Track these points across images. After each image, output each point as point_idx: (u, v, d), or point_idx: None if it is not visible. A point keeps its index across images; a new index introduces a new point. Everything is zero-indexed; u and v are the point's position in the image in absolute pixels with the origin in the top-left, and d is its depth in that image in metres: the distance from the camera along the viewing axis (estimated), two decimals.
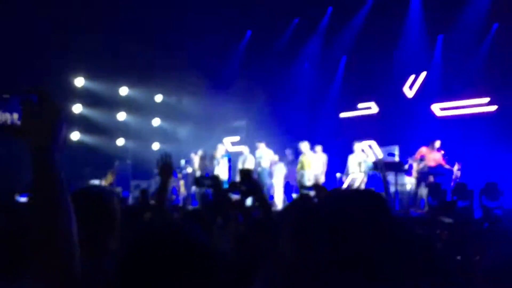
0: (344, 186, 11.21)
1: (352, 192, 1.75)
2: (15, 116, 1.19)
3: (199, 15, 13.83)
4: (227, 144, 15.22)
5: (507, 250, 1.64)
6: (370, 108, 14.35)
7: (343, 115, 14.87)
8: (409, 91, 13.91)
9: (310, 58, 16.08)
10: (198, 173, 12.89)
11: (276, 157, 12.48)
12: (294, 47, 15.85)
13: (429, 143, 10.79)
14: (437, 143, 10.61)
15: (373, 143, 12.98)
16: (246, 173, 2.81)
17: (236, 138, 15.77)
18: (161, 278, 1.13)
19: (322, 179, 11.45)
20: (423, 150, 10.71)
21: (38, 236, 1.12)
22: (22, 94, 1.20)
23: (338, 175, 11.84)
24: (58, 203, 1.14)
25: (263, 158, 12.35)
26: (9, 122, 1.20)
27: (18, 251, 1.69)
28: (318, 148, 11.88)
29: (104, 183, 12.15)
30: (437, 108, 13.07)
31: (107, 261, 1.68)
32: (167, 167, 3.22)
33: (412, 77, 13.91)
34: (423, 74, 13.73)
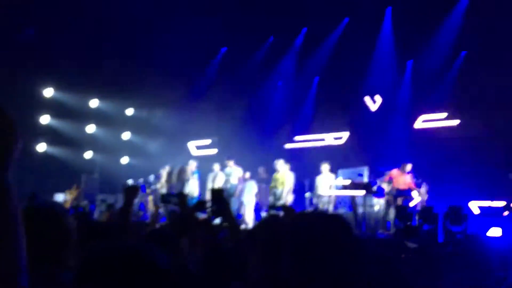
0: (314, 206, 11.26)
1: (318, 215, 1.79)
2: None
3: (174, 29, 13.80)
4: (193, 148, 15.13)
5: (468, 275, 1.65)
6: (341, 138, 14.28)
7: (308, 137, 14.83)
8: (372, 104, 14.12)
9: (284, 77, 16.22)
10: (164, 190, 12.72)
11: (247, 174, 12.43)
12: (268, 65, 15.98)
13: (400, 165, 10.95)
14: (408, 167, 10.78)
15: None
16: (217, 193, 2.79)
17: (205, 142, 15.70)
18: None
19: (290, 198, 11.44)
20: (394, 172, 10.85)
21: None
22: None
23: (307, 194, 11.88)
24: (8, 231, 1.07)
25: (232, 175, 12.30)
26: None
27: None
28: (287, 166, 11.88)
29: (68, 197, 11.86)
30: (419, 121, 13.25)
31: (64, 276, 1.69)
32: (133, 188, 3.19)
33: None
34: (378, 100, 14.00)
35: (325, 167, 11.44)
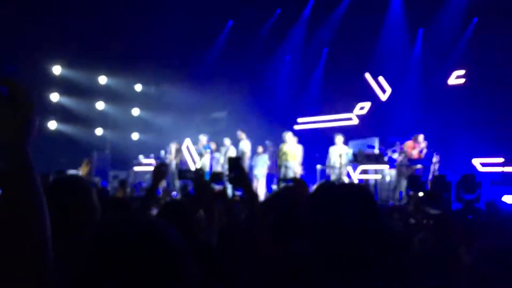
0: (326, 178, 11.27)
1: (342, 186, 1.70)
2: None
3: (180, 4, 13.65)
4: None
5: (494, 242, 1.64)
6: (351, 119, 13.73)
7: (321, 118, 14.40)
8: (382, 94, 13.89)
9: (292, 50, 16.05)
10: (173, 164, 12.78)
11: (260, 149, 12.40)
12: (276, 38, 15.80)
13: (411, 136, 10.90)
14: (420, 137, 10.73)
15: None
16: (235, 161, 2.77)
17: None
18: (124, 274, 1.12)
19: (300, 170, 11.45)
20: (407, 143, 10.82)
21: (8, 238, 1.05)
22: None
23: (318, 167, 11.88)
24: (31, 204, 1.08)
25: (245, 149, 12.30)
26: None
27: None
28: (295, 139, 11.86)
29: (80, 173, 11.94)
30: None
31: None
32: (162, 172, 3.20)
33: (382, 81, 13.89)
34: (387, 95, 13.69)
35: (339, 138, 11.40)
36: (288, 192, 2.83)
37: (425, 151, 10.70)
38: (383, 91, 13.78)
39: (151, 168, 12.50)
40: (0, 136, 1.09)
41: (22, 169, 1.09)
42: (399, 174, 10.69)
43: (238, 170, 2.47)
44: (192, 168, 12.48)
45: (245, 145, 12.19)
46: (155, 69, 15.40)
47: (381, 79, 13.77)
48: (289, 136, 11.45)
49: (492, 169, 10.44)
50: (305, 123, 14.35)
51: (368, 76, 13.94)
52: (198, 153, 12.67)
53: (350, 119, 13.52)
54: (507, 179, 9.96)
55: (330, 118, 13.85)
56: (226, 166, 11.75)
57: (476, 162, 10.78)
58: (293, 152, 11.31)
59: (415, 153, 10.63)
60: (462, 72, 12.51)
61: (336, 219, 1.51)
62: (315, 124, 14.17)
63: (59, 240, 1.29)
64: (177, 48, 14.68)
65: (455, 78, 12.67)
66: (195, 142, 13.36)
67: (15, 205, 1.07)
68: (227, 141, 12.68)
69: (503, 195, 8.41)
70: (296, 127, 13.91)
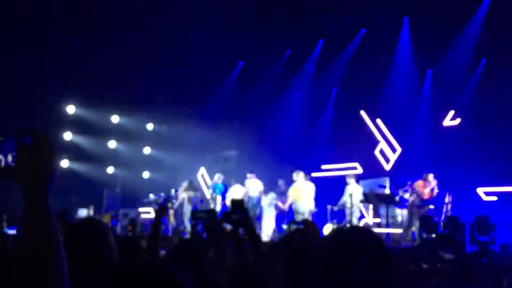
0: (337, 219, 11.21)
1: (352, 231, 1.75)
2: (9, 158, 1.16)
3: (191, 45, 13.96)
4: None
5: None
6: (355, 168, 13.54)
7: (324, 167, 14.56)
8: (386, 164, 13.78)
9: (301, 89, 16.22)
10: (185, 204, 12.80)
11: (265, 188, 12.46)
12: (285, 78, 16.01)
13: (421, 176, 10.85)
14: (430, 176, 10.67)
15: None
16: (237, 203, 2.78)
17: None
18: None
19: (312, 208, 11.38)
20: (418, 183, 10.75)
21: (25, 282, 1.08)
22: (17, 136, 1.16)
23: (329, 207, 11.80)
24: (49, 249, 1.11)
25: (251, 188, 12.36)
26: (2, 164, 1.17)
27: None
28: (307, 177, 11.83)
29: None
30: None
31: None
32: (163, 208, 3.24)
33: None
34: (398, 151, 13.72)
35: (351, 179, 11.37)
36: (298, 235, 2.82)
37: (436, 190, 10.62)
38: (382, 135, 13.81)
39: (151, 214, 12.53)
40: (22, 184, 1.14)
41: (41, 216, 1.13)
42: (411, 215, 10.58)
43: (241, 213, 2.47)
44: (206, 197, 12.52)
45: (253, 183, 12.25)
46: (167, 109, 15.61)
47: (379, 121, 13.81)
48: (296, 175, 11.40)
49: (492, 198, 10.41)
50: (327, 170, 14.37)
51: (363, 114, 13.99)
52: (212, 187, 12.73)
53: (354, 168, 13.46)
54: None
55: (336, 167, 14.00)
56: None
57: (480, 191, 10.88)
58: (298, 191, 11.22)
59: (426, 192, 10.54)
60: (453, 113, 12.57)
61: (349, 264, 1.55)
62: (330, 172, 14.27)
63: (77, 283, 1.31)
64: (189, 88, 14.92)
65: (450, 120, 12.72)
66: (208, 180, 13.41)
67: (34, 250, 1.11)
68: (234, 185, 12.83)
69: None
70: (314, 174, 13.71)
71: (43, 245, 1.11)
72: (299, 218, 10.64)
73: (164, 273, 1.22)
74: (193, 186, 12.69)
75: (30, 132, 1.17)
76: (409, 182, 11.03)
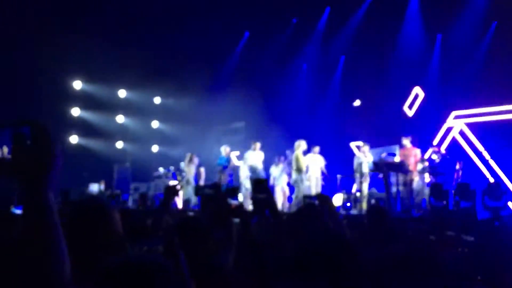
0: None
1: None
2: (5, 150, 1.10)
3: (197, 16, 13.76)
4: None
5: None
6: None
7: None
8: (408, 111, 13.76)
9: (309, 59, 16.00)
10: (190, 176, 12.74)
11: (280, 163, 12.36)
12: (292, 47, 15.77)
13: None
14: (406, 141, 10.63)
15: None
16: (261, 183, 2.74)
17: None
18: None
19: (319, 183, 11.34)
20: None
21: (27, 271, 1.05)
22: (13, 127, 1.10)
23: (338, 176, 11.76)
24: (49, 243, 1.08)
25: (258, 160, 12.24)
26: None
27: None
28: (316, 149, 11.71)
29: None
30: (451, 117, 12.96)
31: None
32: (173, 189, 3.19)
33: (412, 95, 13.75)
34: (421, 95, 13.53)
35: (365, 147, 11.23)
36: (310, 210, 2.78)
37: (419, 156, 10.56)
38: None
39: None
40: (19, 179, 1.09)
41: (40, 212, 1.08)
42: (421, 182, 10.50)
43: (265, 193, 2.42)
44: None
45: (255, 156, 12.14)
46: (173, 82, 15.53)
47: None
48: (297, 145, 11.15)
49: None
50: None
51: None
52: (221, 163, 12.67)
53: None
54: None
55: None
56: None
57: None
58: (301, 162, 11.00)
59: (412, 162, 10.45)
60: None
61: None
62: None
63: (80, 268, 1.29)
64: (195, 60, 14.77)
65: None
66: (217, 153, 13.32)
67: (33, 246, 1.07)
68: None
69: None
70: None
71: (41, 242, 1.08)
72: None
73: (150, 271, 1.26)
74: (193, 160, 12.56)
75: (28, 122, 1.11)
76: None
